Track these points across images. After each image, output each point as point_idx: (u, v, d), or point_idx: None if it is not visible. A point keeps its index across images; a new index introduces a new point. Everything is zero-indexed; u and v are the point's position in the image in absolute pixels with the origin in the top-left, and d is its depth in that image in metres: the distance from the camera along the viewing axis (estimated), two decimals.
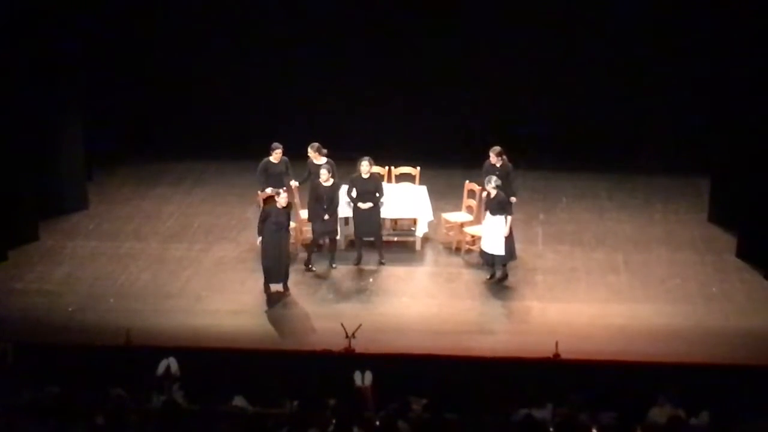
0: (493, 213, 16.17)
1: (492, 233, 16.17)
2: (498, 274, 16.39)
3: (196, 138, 20.93)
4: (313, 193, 16.55)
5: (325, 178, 16.42)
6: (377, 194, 16.74)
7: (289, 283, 16.09)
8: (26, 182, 17.61)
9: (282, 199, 15.73)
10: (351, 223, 17.15)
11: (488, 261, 16.42)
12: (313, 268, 16.73)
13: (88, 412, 11.66)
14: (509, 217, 16.12)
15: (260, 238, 15.77)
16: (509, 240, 16.19)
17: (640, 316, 15.44)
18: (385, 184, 17.95)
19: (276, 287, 15.92)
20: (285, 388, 12.98)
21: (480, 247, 16.54)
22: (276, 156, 17.11)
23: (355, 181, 16.74)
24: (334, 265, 16.81)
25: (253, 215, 17.68)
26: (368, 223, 16.77)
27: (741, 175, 17.23)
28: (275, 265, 15.78)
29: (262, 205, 16.77)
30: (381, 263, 16.89)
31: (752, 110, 16.94)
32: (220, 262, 17.09)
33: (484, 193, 17.04)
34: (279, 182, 16.83)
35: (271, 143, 17.28)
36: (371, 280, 16.61)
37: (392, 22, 20.66)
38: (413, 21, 20.63)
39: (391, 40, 20.71)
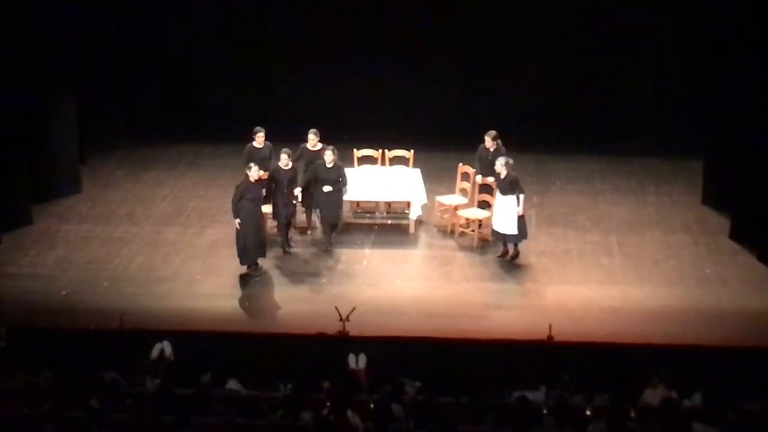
0: (504, 193, 16.17)
1: (503, 213, 16.17)
2: (510, 252, 16.41)
3: (190, 121, 20.88)
4: (271, 178, 16.45)
5: (285, 163, 16.40)
6: (339, 182, 16.70)
7: (284, 267, 16.10)
8: (19, 166, 17.57)
9: (254, 173, 15.77)
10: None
11: (499, 239, 16.46)
12: (290, 252, 16.70)
13: (83, 396, 11.68)
14: (522, 196, 16.13)
15: (237, 220, 15.74)
16: (522, 219, 16.20)
17: (633, 298, 15.46)
18: (378, 167, 18.00)
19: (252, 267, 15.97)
20: (279, 371, 13.01)
21: (491, 226, 16.54)
22: (259, 140, 17.06)
23: (319, 169, 16.71)
24: (292, 245, 16.81)
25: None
26: (329, 208, 16.73)
27: (734, 158, 17.23)
28: (253, 244, 15.77)
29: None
30: (327, 250, 16.81)
31: (746, 93, 16.91)
32: (213, 246, 17.08)
33: (478, 177, 17.09)
34: (263, 167, 16.76)
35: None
36: (365, 263, 16.61)
37: (387, 4, 20.61)
38: (408, 3, 20.59)
39: (385, 23, 20.66)
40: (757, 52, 16.61)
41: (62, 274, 16.20)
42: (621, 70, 20.46)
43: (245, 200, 15.73)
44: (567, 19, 20.31)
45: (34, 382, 12.17)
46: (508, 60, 20.43)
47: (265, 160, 16.88)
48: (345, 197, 17.04)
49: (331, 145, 16.92)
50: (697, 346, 13.79)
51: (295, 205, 16.72)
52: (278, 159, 16.49)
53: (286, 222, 16.66)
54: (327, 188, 16.60)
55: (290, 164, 16.46)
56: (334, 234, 16.98)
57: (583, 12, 20.26)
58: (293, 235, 17.00)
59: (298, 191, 16.63)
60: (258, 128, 17.11)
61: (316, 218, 17.45)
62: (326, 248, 16.83)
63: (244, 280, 15.93)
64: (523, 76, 20.48)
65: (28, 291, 15.68)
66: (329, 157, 16.58)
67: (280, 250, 16.64)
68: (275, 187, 16.37)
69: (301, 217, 17.28)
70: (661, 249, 16.96)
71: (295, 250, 16.81)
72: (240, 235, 15.83)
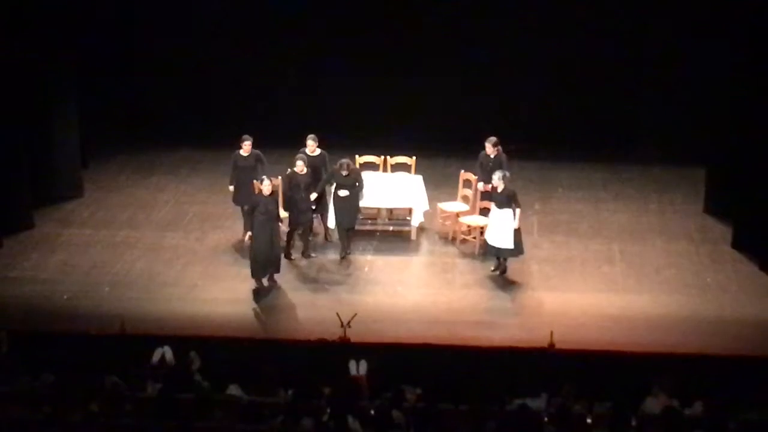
0: (500, 206, 16.07)
1: (498, 226, 16.11)
2: (501, 266, 16.36)
3: (192, 126, 20.89)
4: (288, 183, 16.47)
5: (300, 168, 16.38)
6: (356, 187, 16.71)
7: (286, 272, 16.07)
8: (21, 170, 17.57)
9: (266, 187, 15.66)
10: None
11: (494, 253, 16.37)
12: (313, 255, 16.72)
13: (83, 400, 11.67)
14: (518, 210, 16.04)
15: (249, 233, 15.60)
16: (518, 233, 16.13)
17: (635, 306, 15.44)
18: (380, 174, 18.00)
19: (262, 282, 15.84)
20: (280, 377, 12.99)
21: (484, 239, 16.48)
22: (246, 149, 17.00)
23: (335, 175, 16.71)
24: (313, 255, 16.76)
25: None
26: (345, 212, 16.73)
27: (736, 166, 17.23)
28: (264, 259, 15.63)
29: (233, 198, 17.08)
30: (345, 254, 16.81)
31: (748, 102, 16.93)
32: (215, 251, 17.08)
33: (480, 184, 17.08)
34: (248, 175, 16.80)
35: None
36: (366, 269, 16.61)
37: (388, 10, 20.61)
38: (409, 9, 20.59)
39: (387, 28, 20.67)
40: (759, 61, 16.62)
41: (64, 279, 16.20)
42: (623, 78, 20.46)
43: (258, 213, 15.59)
44: (569, 28, 20.30)
45: (35, 386, 12.17)
46: (511, 67, 20.43)
47: (250, 168, 16.87)
48: (361, 203, 16.99)
49: (324, 150, 17.04)
50: (699, 354, 13.77)
51: (313, 210, 16.72)
52: (293, 164, 16.47)
53: (305, 228, 16.62)
54: (343, 192, 16.59)
55: (305, 169, 16.43)
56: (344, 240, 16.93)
57: (585, 20, 20.25)
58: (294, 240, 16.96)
59: (314, 196, 16.62)
60: (246, 136, 17.04)
61: (319, 224, 17.45)
62: (345, 254, 16.80)
63: (245, 285, 15.90)
64: (525, 83, 20.48)
65: (30, 295, 15.68)
66: (344, 172, 16.56)
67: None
68: (292, 192, 16.34)
69: None
70: (662, 257, 16.96)
71: (313, 255, 16.78)
72: (252, 249, 15.69)
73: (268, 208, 15.65)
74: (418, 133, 20.05)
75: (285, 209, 16.56)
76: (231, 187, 17.16)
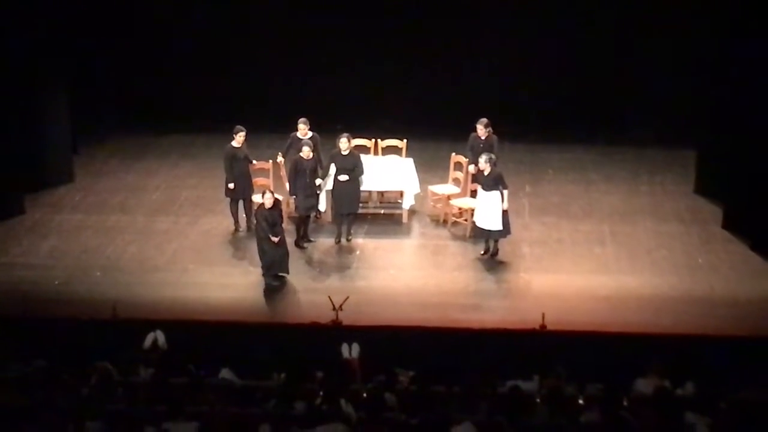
0: (487, 189, 16.09)
1: (486, 208, 16.12)
2: (491, 249, 16.38)
3: (183, 110, 20.83)
4: (294, 168, 16.46)
5: (307, 154, 16.34)
6: (356, 170, 16.67)
7: None
8: (12, 155, 17.53)
9: (268, 200, 15.46)
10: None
11: (483, 235, 16.39)
12: (305, 246, 16.67)
13: (75, 386, 11.67)
14: (506, 192, 16.06)
15: (274, 238, 15.36)
16: (506, 214, 16.14)
17: (626, 288, 15.48)
18: (371, 157, 17.98)
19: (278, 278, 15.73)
20: (272, 361, 13.00)
21: (473, 222, 16.50)
22: (239, 140, 16.86)
23: (335, 158, 16.67)
24: (308, 241, 16.71)
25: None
26: (347, 198, 16.68)
27: (727, 147, 17.25)
28: (282, 255, 15.54)
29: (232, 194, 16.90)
30: (347, 239, 16.82)
31: (737, 82, 16.94)
32: (206, 235, 17.08)
33: (471, 167, 17.07)
34: (243, 167, 16.75)
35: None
36: (358, 252, 16.62)
37: None
38: None
39: (379, 11, 20.62)
40: (749, 42, 16.62)
41: (55, 264, 16.18)
42: (614, 59, 20.43)
43: (264, 223, 15.42)
44: (561, 9, 20.26)
45: (27, 371, 12.16)
46: (502, 50, 20.39)
47: (244, 160, 16.82)
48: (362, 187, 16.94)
49: (315, 133, 17.02)
50: (690, 335, 13.82)
51: (317, 195, 16.68)
52: (299, 150, 16.42)
53: (307, 215, 16.58)
54: (343, 177, 16.54)
55: (311, 155, 16.38)
56: (345, 225, 16.83)
57: (576, 3, 20.21)
58: (288, 225, 16.91)
59: (319, 182, 16.57)
60: (239, 127, 16.88)
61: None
62: (346, 239, 16.76)
63: (237, 270, 15.91)
64: (516, 65, 20.45)
65: (21, 281, 15.67)
66: (344, 144, 16.53)
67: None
68: (298, 178, 16.28)
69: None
70: (653, 238, 16.99)
71: (311, 244, 16.71)
72: (265, 250, 15.47)
73: (273, 219, 15.42)
74: (409, 116, 20.06)
75: (291, 194, 16.54)
76: (231, 185, 16.82)
